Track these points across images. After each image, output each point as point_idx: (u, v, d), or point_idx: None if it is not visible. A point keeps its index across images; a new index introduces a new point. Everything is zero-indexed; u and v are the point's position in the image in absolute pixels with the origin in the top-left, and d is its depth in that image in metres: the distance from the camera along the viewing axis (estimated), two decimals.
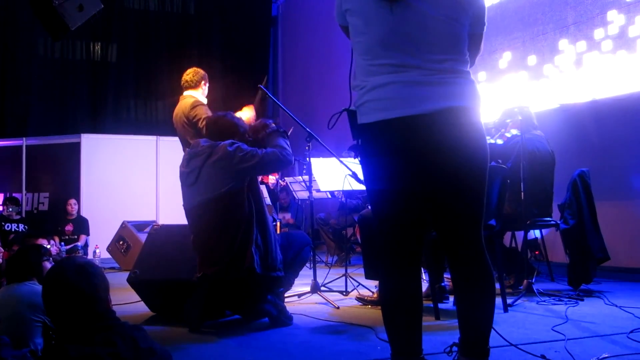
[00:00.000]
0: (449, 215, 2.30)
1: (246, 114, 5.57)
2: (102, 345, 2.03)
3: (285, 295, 4.23)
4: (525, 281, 4.83)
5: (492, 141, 5.49)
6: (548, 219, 5.36)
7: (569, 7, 7.43)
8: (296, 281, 4.45)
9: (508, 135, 5.53)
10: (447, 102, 2.16)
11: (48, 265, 3.44)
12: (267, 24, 14.94)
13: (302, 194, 7.91)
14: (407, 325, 2.31)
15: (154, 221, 9.06)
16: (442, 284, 4.67)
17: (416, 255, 2.35)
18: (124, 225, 8.45)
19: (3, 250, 6.85)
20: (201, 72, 5.79)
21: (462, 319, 2.32)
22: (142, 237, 7.75)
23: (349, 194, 7.70)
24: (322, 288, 5.09)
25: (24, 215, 10.27)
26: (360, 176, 3.49)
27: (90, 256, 8.71)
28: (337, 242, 7.93)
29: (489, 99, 8.41)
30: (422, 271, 5.19)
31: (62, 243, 9.04)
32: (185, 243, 4.11)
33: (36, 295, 3.06)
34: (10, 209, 9.40)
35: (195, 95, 5.66)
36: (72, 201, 9.79)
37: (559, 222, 5.20)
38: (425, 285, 4.62)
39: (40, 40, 12.99)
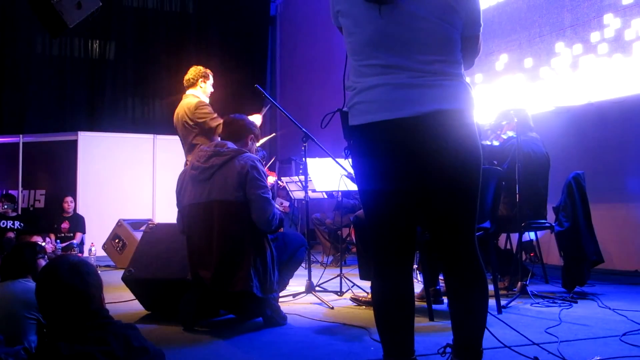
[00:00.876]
0: (441, 218, 2.30)
1: (256, 120, 5.62)
2: (95, 344, 2.04)
3: (280, 295, 4.24)
4: (519, 283, 4.85)
5: (489, 142, 5.51)
6: (543, 221, 5.38)
7: (565, 10, 7.45)
8: (291, 281, 4.46)
9: (504, 136, 5.55)
10: (435, 105, 2.16)
11: (43, 262, 3.44)
12: (265, 23, 14.94)
13: (298, 194, 7.91)
14: (399, 326, 2.31)
15: (149, 219, 9.06)
16: (437, 287, 4.67)
17: (407, 257, 2.35)
18: (119, 224, 8.45)
19: None
20: (200, 69, 5.82)
21: (455, 321, 2.33)
22: (138, 235, 7.75)
23: (345, 194, 7.73)
24: (317, 288, 5.10)
25: (19, 212, 10.26)
26: None
27: (85, 254, 8.72)
28: (332, 242, 7.94)
29: (485, 101, 8.42)
30: (418, 273, 5.23)
31: (58, 240, 9.05)
32: (181, 242, 4.11)
33: (30, 292, 3.06)
34: (6, 206, 9.40)
35: (196, 94, 5.68)
36: (69, 199, 9.78)
37: (553, 224, 5.22)
38: (420, 287, 4.64)
39: (39, 37, 12.97)
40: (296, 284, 4.98)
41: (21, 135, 11.21)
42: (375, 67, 2.21)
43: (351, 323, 3.93)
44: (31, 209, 10.90)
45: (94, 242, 8.59)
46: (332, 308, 4.54)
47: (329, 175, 5.43)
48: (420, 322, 3.90)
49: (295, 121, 5.04)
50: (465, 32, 2.30)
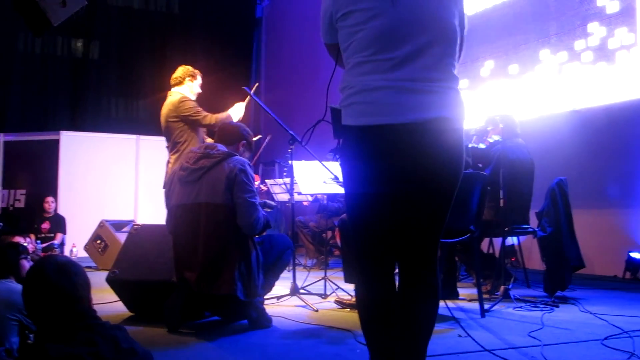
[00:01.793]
0: (411, 226, 2.27)
1: (238, 111, 5.61)
2: (83, 345, 2.03)
3: (265, 297, 4.23)
4: (502, 287, 4.88)
5: (474, 145, 5.54)
6: (526, 226, 5.43)
7: (551, 17, 7.53)
8: (275, 283, 4.46)
9: (490, 140, 5.60)
10: (434, 113, 2.15)
11: (25, 263, 3.41)
12: (251, 25, 14.93)
13: (283, 197, 7.90)
14: (383, 329, 2.29)
15: (132, 220, 9.00)
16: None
17: (391, 261, 2.34)
18: (101, 224, 8.38)
19: None
20: (189, 69, 5.80)
21: (403, 337, 2.28)
22: (120, 236, 7.71)
23: (329, 197, 7.74)
24: (301, 291, 5.10)
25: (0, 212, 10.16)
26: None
27: (66, 255, 8.64)
28: (315, 245, 7.94)
29: (470, 106, 8.47)
30: None
31: (39, 241, 8.95)
32: (166, 243, 4.10)
33: (13, 293, 3.03)
34: None
35: (182, 92, 5.66)
36: (50, 199, 9.69)
37: (536, 229, 5.27)
38: None
39: (21, 35, 12.86)
40: (281, 286, 4.97)
41: (2, 134, 11.08)
42: (385, 61, 2.17)
43: (335, 326, 3.94)
44: (11, 208, 10.78)
45: (75, 243, 8.53)
46: (317, 311, 4.54)
47: (315, 178, 5.44)
48: None
49: (282, 123, 5.04)
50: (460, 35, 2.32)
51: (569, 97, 7.21)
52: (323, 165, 4.99)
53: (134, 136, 11.37)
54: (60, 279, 2.12)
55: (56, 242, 9.22)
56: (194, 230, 3.83)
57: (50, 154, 10.78)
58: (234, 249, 3.80)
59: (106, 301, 4.69)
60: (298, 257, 7.77)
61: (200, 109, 5.55)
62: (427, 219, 2.26)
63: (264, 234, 4.30)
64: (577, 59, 7.15)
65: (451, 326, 3.88)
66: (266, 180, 8.21)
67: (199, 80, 5.82)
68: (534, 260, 6.75)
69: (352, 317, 4.32)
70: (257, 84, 6.06)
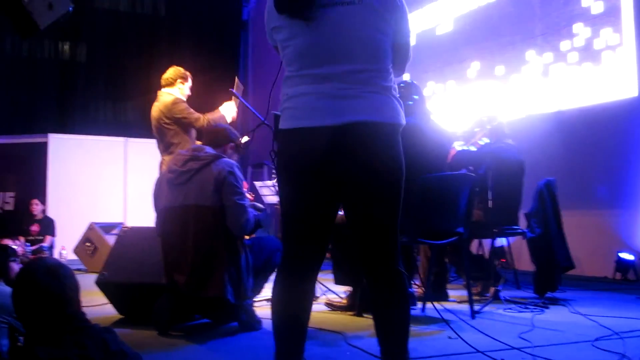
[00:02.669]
0: (359, 230, 2.31)
1: (230, 109, 5.64)
2: (72, 347, 2.02)
3: (255, 299, 4.22)
4: (492, 288, 4.89)
5: (465, 147, 5.56)
6: (515, 227, 5.44)
7: (536, 18, 7.58)
8: (266, 285, 4.44)
9: (481, 142, 5.61)
10: (359, 116, 2.18)
11: (15, 266, 3.40)
12: (237, 27, 14.93)
13: (271, 199, 7.89)
14: (292, 328, 2.35)
15: (121, 223, 8.97)
16: (410, 290, 4.70)
17: (315, 261, 2.37)
18: (91, 227, 8.35)
19: None
20: (180, 70, 5.80)
21: (379, 333, 2.31)
22: (109, 238, 7.68)
23: None
24: None
25: None
26: None
27: (56, 257, 8.60)
28: None
29: (457, 108, 8.51)
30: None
31: (28, 244, 8.91)
32: (155, 246, 4.07)
33: (2, 296, 3.01)
34: None
35: (173, 93, 5.65)
36: (35, 201, 9.65)
37: (525, 230, 5.28)
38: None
39: (8, 38, 12.80)
40: (271, 288, 4.96)
41: None
42: (307, 77, 2.25)
43: (326, 328, 3.93)
44: (0, 211, 10.73)
45: (65, 246, 8.49)
46: None
47: None
48: None
49: (269, 124, 5.02)
50: (396, 40, 2.32)
51: (556, 97, 7.26)
52: None
53: (122, 139, 11.35)
54: (50, 282, 2.11)
55: (45, 244, 9.19)
56: (183, 232, 3.81)
57: (38, 156, 10.76)
58: (223, 251, 3.78)
59: (96, 304, 4.66)
60: None
61: (192, 110, 5.55)
62: (364, 219, 2.28)
63: (254, 235, 4.29)
64: (562, 60, 7.20)
65: (441, 328, 3.89)
66: (255, 182, 8.19)
67: (189, 82, 5.82)
68: (524, 261, 6.77)
69: (342, 319, 4.32)
70: (236, 79, 6.03)
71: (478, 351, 3.18)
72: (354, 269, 4.57)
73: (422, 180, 4.15)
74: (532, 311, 4.53)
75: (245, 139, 5.49)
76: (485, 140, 5.43)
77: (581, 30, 7.02)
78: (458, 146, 5.53)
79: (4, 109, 12.54)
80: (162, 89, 5.72)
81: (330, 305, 4.73)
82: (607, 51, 6.73)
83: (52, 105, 13.06)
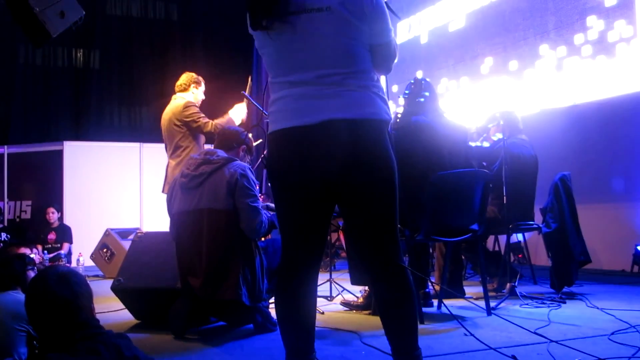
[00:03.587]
0: (353, 229, 2.34)
1: (239, 112, 5.64)
2: (86, 354, 2.02)
3: (271, 301, 4.23)
4: (508, 284, 4.87)
5: (479, 144, 5.54)
6: (530, 222, 5.41)
7: (549, 12, 7.52)
8: None
9: (494, 138, 5.59)
10: (334, 114, 2.20)
11: (32, 274, 3.42)
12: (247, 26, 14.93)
13: None
14: (299, 328, 2.38)
15: (137, 228, 9.02)
16: (427, 289, 4.69)
17: (313, 262, 2.38)
18: (107, 233, 8.40)
19: None
20: (193, 75, 5.88)
21: (387, 330, 2.32)
22: (126, 244, 7.71)
23: None
24: None
25: (6, 223, 10.18)
26: None
27: (73, 264, 8.66)
28: None
29: (471, 103, 8.47)
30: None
31: (45, 251, 8.97)
32: (169, 250, 4.10)
33: (20, 304, 3.03)
34: None
35: (185, 97, 5.70)
36: (51, 209, 9.69)
37: (541, 225, 5.25)
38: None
39: (22, 47, 12.90)
40: None
41: (6, 146, 11.13)
42: (283, 84, 2.31)
43: (342, 327, 3.94)
44: (17, 220, 10.82)
45: (82, 252, 8.54)
46: (323, 313, 4.54)
47: None
48: None
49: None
50: (373, 41, 2.32)
51: (570, 91, 7.20)
52: None
53: (137, 144, 11.39)
54: (62, 289, 2.12)
55: (63, 252, 9.24)
56: (197, 236, 3.83)
57: (54, 164, 10.82)
58: (238, 254, 3.80)
59: (112, 309, 4.70)
60: None
61: (202, 115, 5.58)
62: (355, 217, 2.30)
63: (269, 237, 4.29)
64: (576, 53, 7.14)
65: (456, 325, 3.87)
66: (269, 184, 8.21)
67: (202, 87, 5.90)
68: (541, 256, 6.74)
69: (358, 319, 4.32)
70: (249, 80, 6.05)
71: (490, 348, 3.16)
72: None
73: (435, 178, 4.14)
74: (548, 306, 4.50)
75: (258, 141, 5.52)
76: (499, 135, 5.40)
77: (594, 23, 6.95)
78: (472, 143, 5.51)
79: (18, 118, 12.66)
80: (176, 94, 5.78)
81: (347, 305, 4.72)
82: (621, 43, 6.66)
83: (66, 113, 13.15)
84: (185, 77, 5.83)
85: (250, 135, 4.40)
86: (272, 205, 4.49)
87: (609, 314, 4.11)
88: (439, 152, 4.59)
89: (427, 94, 4.79)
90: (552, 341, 3.34)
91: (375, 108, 2.27)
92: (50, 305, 2.10)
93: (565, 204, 5.13)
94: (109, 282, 4.62)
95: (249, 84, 5.83)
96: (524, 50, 7.84)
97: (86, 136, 12.38)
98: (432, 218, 4.15)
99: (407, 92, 4.83)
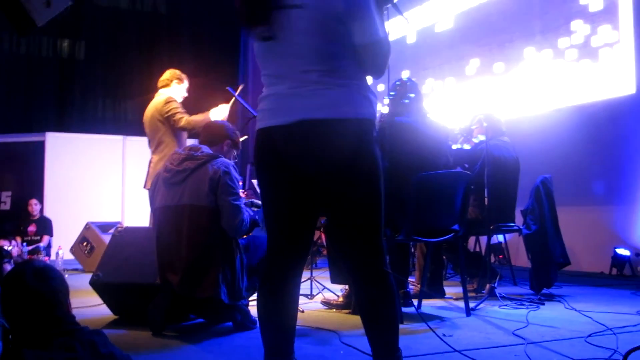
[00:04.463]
0: (336, 232, 2.33)
1: (220, 112, 5.64)
2: (61, 350, 2.01)
3: (250, 299, 4.22)
4: (487, 285, 4.89)
5: (459, 146, 5.55)
6: (511, 224, 5.44)
7: (535, 16, 7.56)
8: None
9: (475, 140, 5.61)
10: (308, 114, 2.20)
11: (8, 267, 3.40)
12: (238, 24, 14.87)
13: None
14: (280, 328, 2.37)
15: (118, 222, 8.97)
16: (407, 289, 4.70)
17: (297, 262, 2.37)
18: (87, 226, 8.34)
19: None
20: (176, 72, 5.93)
21: (368, 333, 2.31)
22: (106, 238, 7.67)
23: None
24: None
25: None
26: None
27: (52, 257, 8.60)
28: None
29: (456, 105, 8.51)
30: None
31: (24, 244, 8.90)
32: (149, 246, 4.07)
33: None
34: None
35: (168, 93, 5.73)
36: (34, 201, 9.62)
37: (521, 227, 5.28)
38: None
39: (5, 35, 12.77)
40: None
41: None
42: (268, 77, 2.36)
43: (321, 326, 3.94)
44: None
45: (61, 245, 8.47)
46: (303, 311, 4.53)
47: None
48: None
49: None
50: (358, 40, 2.25)
51: (554, 94, 7.25)
52: None
53: (120, 137, 11.34)
54: (38, 284, 2.10)
55: (42, 244, 9.17)
56: (178, 232, 3.81)
57: (36, 155, 10.74)
58: (218, 251, 3.78)
59: (90, 304, 4.67)
60: None
61: (180, 110, 5.60)
62: (339, 219, 2.29)
63: (251, 233, 4.28)
64: (561, 57, 7.19)
65: (436, 325, 3.89)
66: (253, 181, 8.19)
67: (185, 84, 5.93)
68: (521, 257, 6.77)
69: (338, 318, 4.32)
70: (241, 86, 6.06)
71: (455, 350, 3.17)
72: None
73: (417, 178, 4.15)
74: (527, 308, 4.53)
75: (244, 137, 5.51)
76: (481, 137, 5.42)
77: (579, 28, 7.00)
78: (454, 145, 5.53)
79: (1, 108, 12.53)
80: (159, 90, 5.81)
81: (327, 304, 4.72)
82: (605, 48, 6.72)
83: (50, 104, 13.04)
84: (168, 73, 5.90)
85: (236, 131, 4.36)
86: (258, 201, 4.47)
87: (586, 316, 4.14)
88: (421, 153, 4.60)
89: (412, 95, 4.80)
90: (529, 343, 3.37)
91: (352, 107, 2.22)
92: (26, 299, 2.08)
93: (546, 207, 5.16)
94: (88, 276, 4.59)
95: (239, 88, 5.86)
96: (510, 52, 7.88)
97: (69, 127, 12.28)
98: (414, 218, 4.16)
99: (392, 93, 4.83)
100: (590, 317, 4.07)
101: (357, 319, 4.28)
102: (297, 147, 2.22)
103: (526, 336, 3.53)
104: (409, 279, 4.98)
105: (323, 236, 6.89)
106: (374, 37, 2.27)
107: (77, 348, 2.04)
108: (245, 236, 4.17)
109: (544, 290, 5.08)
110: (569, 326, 3.87)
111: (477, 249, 6.42)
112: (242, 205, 3.90)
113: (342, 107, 2.21)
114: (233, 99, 5.76)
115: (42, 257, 8.31)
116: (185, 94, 5.93)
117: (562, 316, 4.25)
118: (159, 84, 5.86)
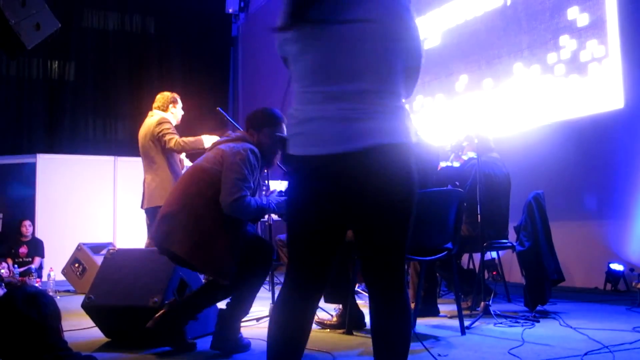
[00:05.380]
0: (369, 255, 2.27)
1: (211, 138, 5.65)
2: None
3: (243, 320, 4.16)
4: (482, 303, 4.88)
5: (449, 164, 5.56)
6: (504, 240, 5.44)
7: (523, 32, 7.61)
8: (254, 304, 4.39)
9: (465, 157, 5.62)
10: (371, 140, 2.12)
11: (0, 292, 3.36)
12: (227, 44, 14.95)
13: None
14: (290, 352, 2.28)
15: (110, 243, 8.92)
16: None
17: (318, 287, 2.32)
18: (79, 248, 8.28)
19: None
20: (168, 95, 5.97)
21: (377, 351, 2.26)
22: (98, 259, 7.61)
23: None
24: None
25: None
26: None
27: (44, 279, 8.52)
28: None
29: (445, 121, 8.53)
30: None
31: (16, 265, 8.83)
32: (142, 267, 4.05)
33: None
34: None
35: (164, 115, 5.77)
36: (27, 222, 9.56)
37: (514, 244, 5.28)
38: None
39: None
40: (260, 306, 4.93)
41: None
42: (318, 94, 2.18)
43: (315, 348, 3.91)
44: None
45: (53, 267, 8.40)
46: None
47: None
48: None
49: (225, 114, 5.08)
50: (408, 64, 2.25)
51: (543, 109, 7.28)
52: None
53: (111, 157, 11.29)
54: (30, 310, 2.09)
55: (34, 266, 9.09)
56: (182, 188, 3.88)
57: (27, 177, 10.67)
58: (210, 215, 3.73)
59: (83, 327, 4.62)
60: (278, 276, 7.72)
61: (171, 132, 5.61)
62: (380, 244, 2.23)
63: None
64: (549, 72, 7.23)
65: (430, 345, 3.87)
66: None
67: (180, 103, 6.01)
68: (515, 273, 6.76)
69: (332, 338, 4.30)
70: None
71: None
72: (344, 287, 4.55)
73: None
74: (522, 325, 4.52)
75: None
76: (471, 154, 5.43)
77: (567, 43, 7.05)
78: (443, 163, 5.54)
79: None
80: (153, 110, 5.83)
81: (321, 324, 4.69)
82: (593, 63, 6.76)
83: (40, 125, 12.97)
84: (161, 99, 5.90)
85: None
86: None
87: (582, 333, 4.13)
88: None
89: None
90: None
91: (404, 131, 2.19)
92: (17, 326, 2.07)
93: (539, 223, 5.17)
94: (81, 297, 4.55)
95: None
96: (498, 68, 7.92)
97: (60, 149, 12.21)
98: None
99: None
100: (586, 335, 4.06)
101: (351, 340, 4.27)
102: (355, 175, 2.13)
103: (522, 355, 3.52)
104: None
105: None
106: (420, 61, 2.29)
107: None
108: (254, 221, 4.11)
109: (539, 307, 5.07)
110: (565, 344, 3.85)
111: (471, 266, 6.41)
112: (246, 191, 3.77)
113: (398, 132, 2.17)
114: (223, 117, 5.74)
115: (33, 278, 8.23)
116: (182, 113, 5.99)
117: (557, 334, 4.24)
118: (155, 108, 5.88)
